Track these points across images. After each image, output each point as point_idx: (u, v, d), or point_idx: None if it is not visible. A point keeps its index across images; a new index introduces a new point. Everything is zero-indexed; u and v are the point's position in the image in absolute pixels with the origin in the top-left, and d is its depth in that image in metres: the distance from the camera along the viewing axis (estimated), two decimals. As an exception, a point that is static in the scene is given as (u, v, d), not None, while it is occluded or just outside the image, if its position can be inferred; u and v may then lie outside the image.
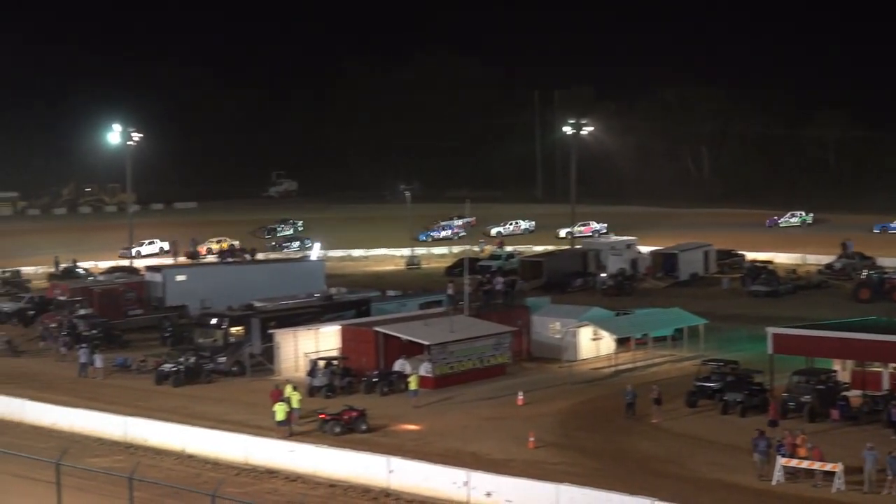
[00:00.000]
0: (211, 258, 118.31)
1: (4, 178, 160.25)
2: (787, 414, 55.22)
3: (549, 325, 73.26)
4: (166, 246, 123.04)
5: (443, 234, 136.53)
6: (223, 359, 69.51)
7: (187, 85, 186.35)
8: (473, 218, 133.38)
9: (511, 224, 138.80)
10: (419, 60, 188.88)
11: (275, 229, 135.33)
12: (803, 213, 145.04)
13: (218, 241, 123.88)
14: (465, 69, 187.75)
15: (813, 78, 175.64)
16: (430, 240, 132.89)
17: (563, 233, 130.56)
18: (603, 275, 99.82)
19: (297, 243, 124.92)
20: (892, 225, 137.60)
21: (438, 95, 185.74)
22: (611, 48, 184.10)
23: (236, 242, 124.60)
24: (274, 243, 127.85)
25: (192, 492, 39.01)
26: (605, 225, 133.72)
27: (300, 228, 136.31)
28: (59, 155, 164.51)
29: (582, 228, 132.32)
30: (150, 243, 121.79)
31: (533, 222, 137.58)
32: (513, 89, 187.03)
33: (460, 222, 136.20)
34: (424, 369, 63.16)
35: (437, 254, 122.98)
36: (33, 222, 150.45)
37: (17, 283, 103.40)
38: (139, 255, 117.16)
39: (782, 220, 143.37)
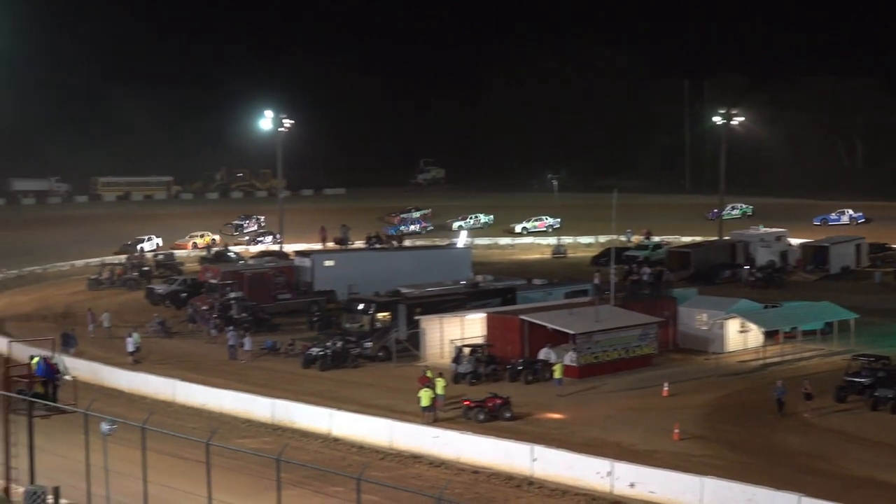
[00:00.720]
0: (200, 252, 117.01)
1: (160, 163, 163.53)
2: (940, 412, 54.31)
3: (695, 317, 72.56)
4: (161, 241, 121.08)
5: (412, 227, 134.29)
6: (369, 344, 70.20)
7: (338, 72, 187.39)
8: (430, 210, 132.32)
9: (471, 217, 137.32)
10: (568, 49, 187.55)
11: (241, 225, 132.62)
12: (743, 205, 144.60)
13: (201, 236, 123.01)
14: (615, 58, 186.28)
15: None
16: (400, 234, 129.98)
17: (518, 228, 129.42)
18: (746, 267, 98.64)
19: (270, 237, 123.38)
20: (833, 217, 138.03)
21: (587, 84, 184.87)
22: (762, 37, 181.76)
23: (217, 237, 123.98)
24: (248, 237, 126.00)
25: (338, 474, 39.39)
26: (559, 219, 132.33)
27: (263, 224, 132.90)
28: (212, 141, 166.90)
29: (537, 224, 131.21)
30: (148, 240, 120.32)
31: (492, 216, 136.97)
32: (662, 79, 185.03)
33: (418, 214, 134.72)
34: (569, 358, 63.13)
35: (583, 243, 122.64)
36: (186, 206, 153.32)
37: (170, 266, 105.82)
38: (142, 252, 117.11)
39: (724, 211, 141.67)
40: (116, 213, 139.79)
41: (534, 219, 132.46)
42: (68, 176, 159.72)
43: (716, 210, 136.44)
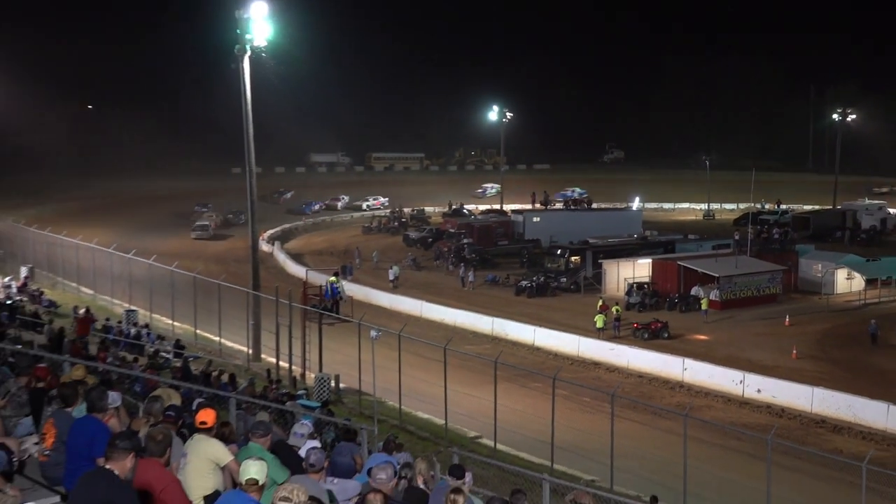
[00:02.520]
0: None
1: (414, 142, 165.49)
2: None
3: (812, 266, 71.06)
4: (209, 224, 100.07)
5: (316, 206, 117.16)
6: (564, 279, 70.55)
7: (548, 74, 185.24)
8: (292, 192, 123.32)
9: (373, 198, 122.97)
10: (724, 59, 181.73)
11: (205, 212, 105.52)
12: (496, 185, 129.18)
13: (209, 216, 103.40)
14: (759, 66, 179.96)
15: None
16: (311, 212, 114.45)
17: (364, 205, 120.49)
18: (839, 234, 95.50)
19: (243, 214, 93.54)
20: (568, 193, 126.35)
21: (736, 87, 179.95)
22: (874, 50, 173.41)
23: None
24: (230, 216, 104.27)
25: (539, 374, 39.78)
26: (388, 198, 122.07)
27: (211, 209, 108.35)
28: (454, 125, 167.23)
29: (374, 202, 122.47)
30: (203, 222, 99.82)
31: (387, 198, 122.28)
32: (797, 84, 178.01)
33: (289, 195, 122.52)
34: (714, 294, 62.46)
35: (727, 208, 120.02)
36: (433, 175, 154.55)
37: (420, 219, 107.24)
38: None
39: (486, 191, 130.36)
40: (382, 180, 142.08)
41: (372, 198, 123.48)
42: (350, 151, 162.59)
43: (479, 189, 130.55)
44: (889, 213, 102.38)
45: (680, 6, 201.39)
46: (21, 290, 53.25)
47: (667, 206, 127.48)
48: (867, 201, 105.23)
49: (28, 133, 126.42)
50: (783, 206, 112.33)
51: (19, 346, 27.74)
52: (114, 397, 12.38)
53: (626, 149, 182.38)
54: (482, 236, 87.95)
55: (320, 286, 55.65)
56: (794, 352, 51.48)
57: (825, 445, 36.14)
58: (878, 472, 26.80)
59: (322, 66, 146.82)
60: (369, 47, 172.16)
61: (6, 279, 56.06)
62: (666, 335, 54.99)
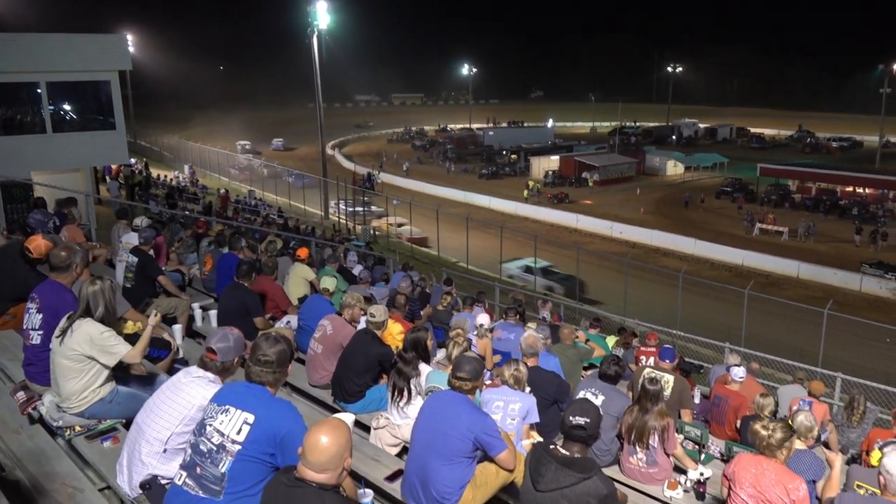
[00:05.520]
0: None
1: (418, 86, 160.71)
2: (764, 204, 52.26)
3: (653, 159, 70.40)
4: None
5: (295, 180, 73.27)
6: (507, 168, 69.94)
7: (497, 42, 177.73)
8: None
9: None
10: (604, 35, 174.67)
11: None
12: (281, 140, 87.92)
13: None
14: (625, 41, 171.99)
15: None
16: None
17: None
18: (670, 139, 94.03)
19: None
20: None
21: (611, 51, 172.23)
22: (698, 22, 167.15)
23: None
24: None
25: (491, 224, 39.45)
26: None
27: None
28: (441, 75, 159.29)
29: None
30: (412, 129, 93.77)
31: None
32: (651, 50, 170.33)
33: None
34: (595, 176, 62.11)
35: (604, 125, 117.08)
36: (429, 107, 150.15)
37: (421, 134, 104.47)
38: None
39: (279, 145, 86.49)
40: (398, 111, 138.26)
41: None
42: (379, 92, 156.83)
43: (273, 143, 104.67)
44: (699, 127, 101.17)
45: (580, 5, 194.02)
46: (186, 179, 52.55)
47: (568, 124, 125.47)
48: (686, 120, 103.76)
49: (183, 83, 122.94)
50: (637, 123, 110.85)
51: (186, 212, 27.49)
52: (242, 241, 12.30)
53: (545, 90, 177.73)
54: (459, 144, 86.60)
55: (363, 174, 55.04)
56: (642, 210, 51.37)
57: (658, 263, 36.39)
58: (689, 279, 27.12)
59: (364, 34, 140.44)
60: (394, 24, 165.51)
61: (175, 173, 55.36)
62: (567, 200, 54.63)
